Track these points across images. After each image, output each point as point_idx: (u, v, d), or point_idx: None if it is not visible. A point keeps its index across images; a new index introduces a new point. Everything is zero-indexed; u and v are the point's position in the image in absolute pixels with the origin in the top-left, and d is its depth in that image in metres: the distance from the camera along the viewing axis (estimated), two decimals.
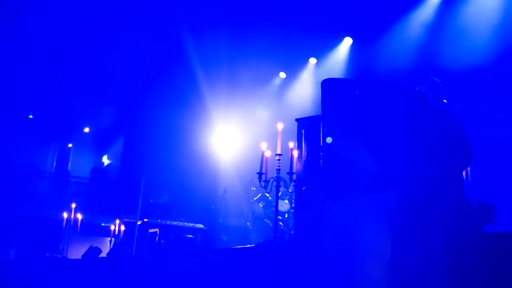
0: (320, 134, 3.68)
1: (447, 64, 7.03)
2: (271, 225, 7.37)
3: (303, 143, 4.18)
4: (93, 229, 10.44)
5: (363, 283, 1.73)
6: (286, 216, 7.58)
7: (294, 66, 10.80)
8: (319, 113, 3.73)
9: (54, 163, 15.85)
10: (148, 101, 12.51)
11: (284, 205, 7.55)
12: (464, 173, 4.30)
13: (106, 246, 7.37)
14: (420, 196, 1.82)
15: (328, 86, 3.42)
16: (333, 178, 2.02)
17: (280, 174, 4.18)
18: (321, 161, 3.57)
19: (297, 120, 4.37)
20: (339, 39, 9.97)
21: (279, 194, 4.37)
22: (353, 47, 9.86)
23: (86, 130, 16.54)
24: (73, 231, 6.99)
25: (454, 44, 7.38)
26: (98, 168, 15.22)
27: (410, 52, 8.15)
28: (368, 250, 1.75)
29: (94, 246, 6.54)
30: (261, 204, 7.92)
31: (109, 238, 7.35)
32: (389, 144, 1.93)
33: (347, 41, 9.92)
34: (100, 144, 16.48)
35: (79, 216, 7.04)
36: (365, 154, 1.90)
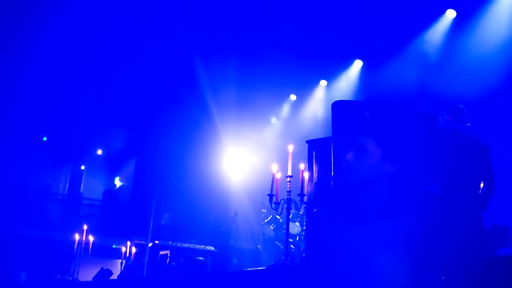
0: (331, 156, 3.69)
1: (457, 88, 7.02)
2: (282, 247, 7.32)
3: (313, 165, 4.18)
4: (104, 251, 10.44)
5: None
6: (297, 239, 7.52)
7: (304, 88, 10.87)
8: (330, 135, 3.74)
9: (67, 185, 15.96)
10: (160, 124, 12.63)
11: (295, 227, 7.50)
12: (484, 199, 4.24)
13: (117, 268, 7.35)
14: (436, 222, 1.80)
15: (338, 108, 3.43)
16: (344, 201, 2.00)
17: (291, 196, 4.17)
18: (332, 182, 3.56)
19: (307, 142, 4.37)
20: (350, 62, 10.04)
21: (290, 216, 4.35)
22: (363, 70, 9.91)
23: (99, 152, 16.69)
24: (84, 253, 6.98)
25: (465, 67, 7.37)
26: (110, 190, 15.31)
27: (420, 74, 8.16)
28: (384, 278, 1.72)
29: (105, 268, 6.53)
30: (272, 226, 7.88)
31: (120, 260, 7.34)
32: (400, 167, 1.91)
33: (358, 64, 9.98)
34: (112, 166, 16.60)
35: (91, 238, 7.04)
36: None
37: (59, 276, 6.97)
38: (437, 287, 1.69)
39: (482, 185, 4.09)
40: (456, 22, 8.15)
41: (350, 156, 1.85)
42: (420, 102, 7.50)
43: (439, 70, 7.88)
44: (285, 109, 11.48)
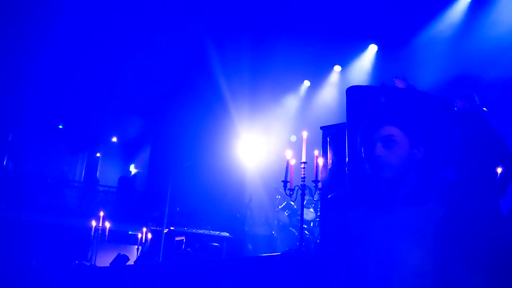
0: (345, 142, 3.66)
1: (476, 71, 6.88)
2: (296, 233, 7.34)
3: (328, 151, 4.16)
4: (120, 237, 10.59)
5: None
6: (311, 225, 7.53)
7: (318, 74, 10.79)
8: (344, 121, 3.71)
9: (83, 173, 16.16)
10: (174, 111, 12.68)
11: (310, 213, 7.51)
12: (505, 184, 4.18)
13: (133, 254, 7.45)
14: (458, 209, 1.77)
15: (353, 94, 3.40)
16: (363, 188, 1.98)
17: (305, 182, 4.15)
18: (346, 168, 3.54)
19: (322, 128, 4.34)
20: (364, 46, 9.91)
21: (304, 203, 4.34)
22: (378, 54, 9.78)
23: (114, 140, 16.83)
24: (101, 239, 7.07)
25: (484, 49, 7.20)
26: (126, 177, 15.46)
27: (437, 58, 8.02)
28: (409, 267, 1.70)
29: (121, 254, 6.62)
30: (286, 212, 7.89)
31: (136, 246, 7.43)
32: (425, 152, 1.89)
33: (372, 48, 9.85)
34: (128, 153, 16.76)
35: (107, 224, 7.13)
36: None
37: (77, 262, 7.09)
38: (460, 275, 1.68)
39: (500, 169, 4.03)
40: (474, 1, 7.98)
41: (380, 150, 1.81)
42: (438, 87, 7.38)
43: (457, 52, 7.71)
44: (299, 95, 11.42)
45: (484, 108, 4.67)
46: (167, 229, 6.94)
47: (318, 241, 6.57)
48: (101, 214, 7.13)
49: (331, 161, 4.06)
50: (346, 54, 10.12)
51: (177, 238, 6.93)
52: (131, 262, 6.71)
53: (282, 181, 4.30)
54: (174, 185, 7.42)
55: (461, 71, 7.18)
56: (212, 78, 11.02)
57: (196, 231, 7.17)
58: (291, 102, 11.46)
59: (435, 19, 8.37)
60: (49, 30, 10.33)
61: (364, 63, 9.96)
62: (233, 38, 10.27)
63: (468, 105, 4.68)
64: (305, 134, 4.28)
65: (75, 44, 10.86)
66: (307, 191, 4.17)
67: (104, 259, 7.17)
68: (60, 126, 15.27)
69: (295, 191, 4.23)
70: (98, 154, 16.58)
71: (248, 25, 10.06)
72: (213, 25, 10.25)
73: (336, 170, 4.01)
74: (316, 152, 4.21)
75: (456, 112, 4.49)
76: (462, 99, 4.75)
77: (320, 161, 4.16)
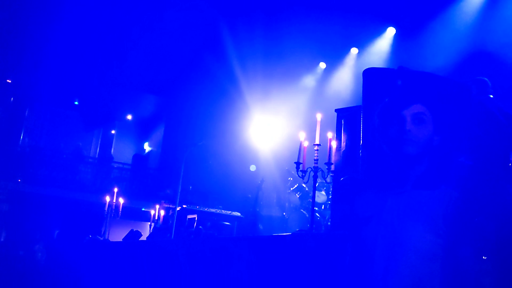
0: (360, 125, 3.64)
1: (499, 55, 6.73)
2: (307, 215, 7.36)
3: (342, 134, 4.13)
4: (133, 213, 10.75)
5: (411, 281, 1.69)
6: (322, 208, 7.54)
7: (335, 56, 10.67)
8: (360, 104, 3.68)
9: (98, 149, 16.34)
10: (188, 90, 12.69)
11: (321, 196, 7.51)
12: None
13: (146, 230, 7.56)
14: (473, 194, 1.76)
15: (370, 76, 3.36)
16: (376, 170, 1.97)
17: (318, 165, 4.14)
18: (360, 151, 3.53)
19: (336, 110, 4.31)
20: (382, 29, 9.76)
21: (316, 185, 4.33)
22: (396, 38, 9.63)
23: (129, 117, 16.95)
24: (114, 215, 7.17)
25: (507, 33, 7.01)
26: (140, 155, 15.60)
27: (457, 42, 7.86)
28: (418, 250, 1.71)
29: (134, 230, 6.71)
30: (298, 194, 7.91)
31: (149, 223, 7.53)
32: (441, 138, 1.88)
33: (390, 31, 9.69)
34: (142, 131, 16.89)
35: (121, 200, 7.23)
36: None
37: (90, 236, 7.21)
38: (469, 260, 1.67)
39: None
40: None
41: (410, 125, 1.82)
42: (456, 70, 7.26)
43: (478, 36, 7.53)
44: (315, 77, 11.32)
45: (490, 95, 4.60)
46: (179, 207, 7.01)
47: (328, 223, 6.58)
48: (115, 190, 7.22)
49: (344, 143, 4.04)
50: (364, 37, 9.98)
51: (189, 216, 7.01)
52: (143, 238, 6.82)
53: (294, 162, 4.30)
54: (187, 164, 7.46)
55: (479, 54, 7.04)
56: (226, 58, 10.98)
57: (208, 210, 7.23)
58: (306, 84, 11.37)
59: (455, 2, 8.19)
60: (66, 7, 10.35)
61: (382, 46, 9.82)
62: (248, 18, 10.18)
63: (481, 91, 4.62)
64: (319, 116, 4.25)
65: (92, 21, 10.87)
66: (319, 174, 4.16)
67: (117, 235, 7.28)
68: (76, 103, 15.40)
69: (307, 173, 4.22)
70: (113, 131, 16.73)
71: (263, 5, 9.96)
72: (228, 3, 10.17)
73: (349, 153, 3.99)
74: (330, 135, 4.19)
75: (472, 98, 4.43)
76: (475, 85, 4.68)
77: (334, 143, 4.14)
